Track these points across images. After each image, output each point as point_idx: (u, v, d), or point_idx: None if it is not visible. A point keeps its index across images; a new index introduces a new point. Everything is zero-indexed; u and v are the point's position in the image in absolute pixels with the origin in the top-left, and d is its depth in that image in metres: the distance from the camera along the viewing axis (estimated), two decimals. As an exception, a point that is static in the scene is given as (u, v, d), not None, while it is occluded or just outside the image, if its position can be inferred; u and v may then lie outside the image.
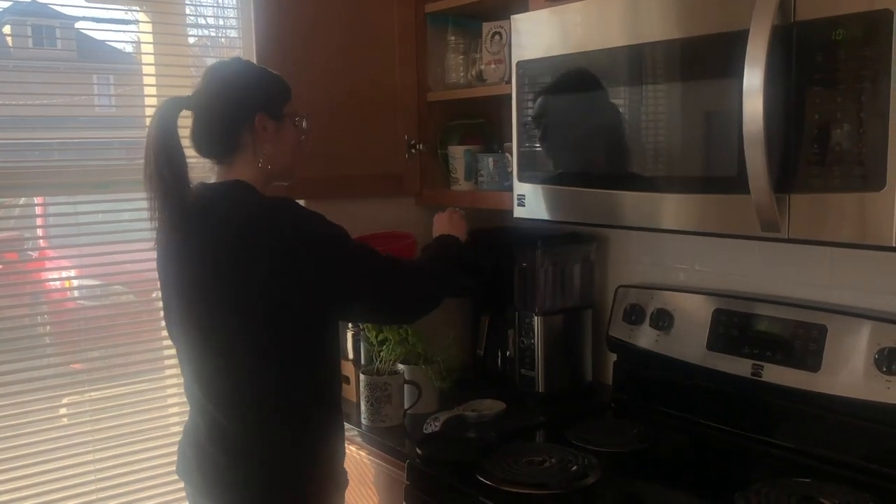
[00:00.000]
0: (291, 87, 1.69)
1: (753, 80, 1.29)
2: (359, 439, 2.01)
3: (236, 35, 2.24)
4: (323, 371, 1.66)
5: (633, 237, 2.18)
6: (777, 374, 1.74)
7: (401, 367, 2.07)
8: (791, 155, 1.32)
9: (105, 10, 2.15)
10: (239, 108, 1.61)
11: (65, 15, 2.13)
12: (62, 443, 2.05)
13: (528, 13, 1.83)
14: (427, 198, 2.35)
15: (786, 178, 1.33)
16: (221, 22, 2.32)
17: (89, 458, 2.08)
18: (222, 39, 2.34)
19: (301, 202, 1.63)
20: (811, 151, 1.30)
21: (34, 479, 2.01)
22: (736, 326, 1.84)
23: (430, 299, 1.72)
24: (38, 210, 2.16)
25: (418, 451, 1.80)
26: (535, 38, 1.80)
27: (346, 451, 1.76)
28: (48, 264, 2.17)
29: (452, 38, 2.30)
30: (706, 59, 1.47)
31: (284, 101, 1.67)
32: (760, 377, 1.77)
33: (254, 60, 2.03)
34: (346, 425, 2.00)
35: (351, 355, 2.21)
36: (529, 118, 1.84)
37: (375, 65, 2.24)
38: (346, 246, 1.60)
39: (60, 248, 2.18)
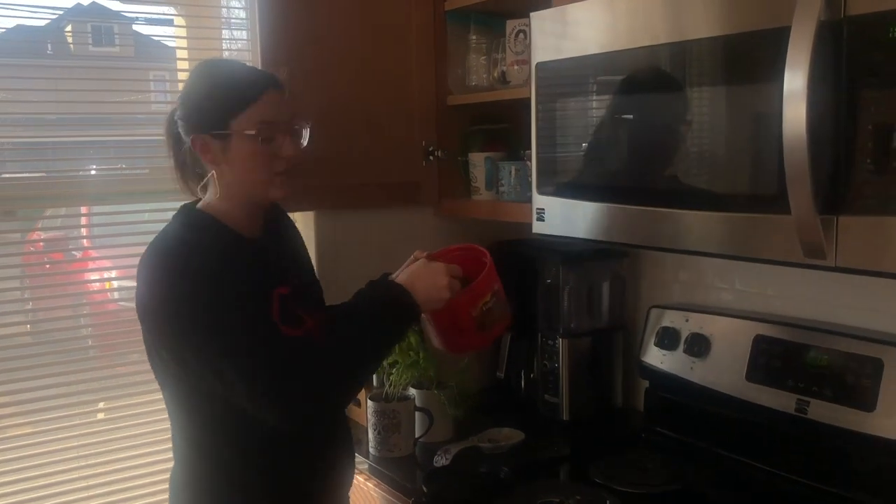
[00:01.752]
0: (250, 95, 1.39)
1: (795, 82, 1.12)
2: (366, 470, 1.87)
3: (246, 37, 2.12)
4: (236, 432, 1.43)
5: (669, 253, 2.00)
6: (825, 412, 1.55)
7: (413, 391, 1.92)
8: (840, 170, 1.14)
9: (159, 12, 2.15)
10: (184, 123, 1.43)
11: (123, 15, 2.13)
12: (101, 446, 2.01)
13: (549, 10, 1.67)
14: (446, 208, 2.20)
15: (833, 197, 1.15)
16: (233, 23, 2.20)
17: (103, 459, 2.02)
18: (240, 40, 2.22)
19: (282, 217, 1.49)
20: (864, 167, 1.12)
21: (60, 476, 1.96)
22: (779, 356, 1.66)
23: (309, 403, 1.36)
24: (83, 210, 2.11)
25: (424, 488, 1.66)
26: (556, 38, 1.64)
27: (354, 481, 1.62)
28: (91, 265, 2.15)
29: (474, 37, 2.15)
30: (745, 59, 1.30)
31: (232, 115, 1.38)
32: (806, 414, 1.58)
33: (259, 65, 1.90)
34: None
35: (363, 376, 2.07)
36: (549, 125, 1.68)
37: (391, 66, 2.09)
38: (186, 312, 1.34)
39: (102, 249, 2.14)
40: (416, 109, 2.14)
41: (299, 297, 1.50)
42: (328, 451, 1.55)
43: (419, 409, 1.89)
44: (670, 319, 1.89)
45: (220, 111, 1.39)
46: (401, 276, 1.48)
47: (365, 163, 2.07)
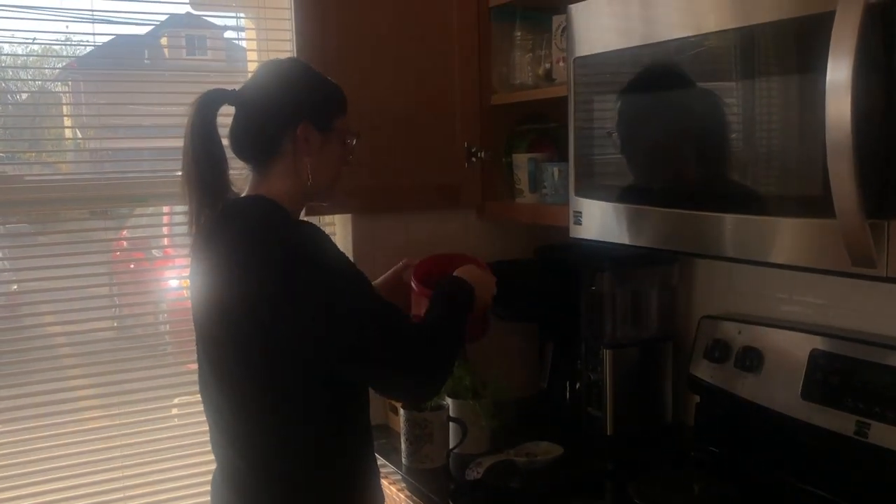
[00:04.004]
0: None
1: (839, 73, 1.01)
2: (399, 480, 1.82)
3: (289, 38, 2.09)
4: (347, 424, 1.45)
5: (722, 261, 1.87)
6: (888, 436, 1.41)
7: (448, 401, 1.85)
8: (892, 170, 1.02)
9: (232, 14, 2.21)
10: (283, 111, 1.44)
11: (215, 24, 2.21)
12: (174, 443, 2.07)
13: (588, 1, 1.57)
14: (490, 211, 2.13)
15: (884, 199, 1.03)
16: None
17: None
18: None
19: (322, 224, 1.46)
20: (918, 165, 1.00)
21: (141, 478, 2.03)
22: (837, 373, 1.52)
23: (439, 379, 1.44)
24: (165, 209, 2.18)
25: (451, 502, 1.59)
26: (595, 31, 1.55)
27: (386, 492, 1.58)
28: (170, 268, 2.22)
29: (519, 34, 2.07)
30: (788, 48, 1.19)
31: (337, 115, 1.49)
32: (866, 438, 1.44)
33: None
34: (387, 463, 1.83)
35: (401, 383, 2.02)
36: (588, 124, 1.60)
37: (432, 65, 2.03)
38: (368, 301, 1.37)
39: (180, 248, 2.18)
40: (459, 109, 2.07)
41: None
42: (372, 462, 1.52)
43: (453, 420, 1.82)
44: (722, 331, 1.77)
45: (330, 109, 1.48)
46: (463, 273, 1.55)
47: (405, 164, 2.02)
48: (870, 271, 1.07)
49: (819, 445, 1.54)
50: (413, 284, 1.63)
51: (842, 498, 1.51)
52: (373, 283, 1.68)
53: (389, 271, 1.74)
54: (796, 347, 1.60)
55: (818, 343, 1.57)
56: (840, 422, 1.49)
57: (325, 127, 1.46)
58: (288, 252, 1.34)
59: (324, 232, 1.42)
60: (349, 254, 2.03)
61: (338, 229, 2.11)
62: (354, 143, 1.53)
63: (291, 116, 1.43)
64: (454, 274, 1.55)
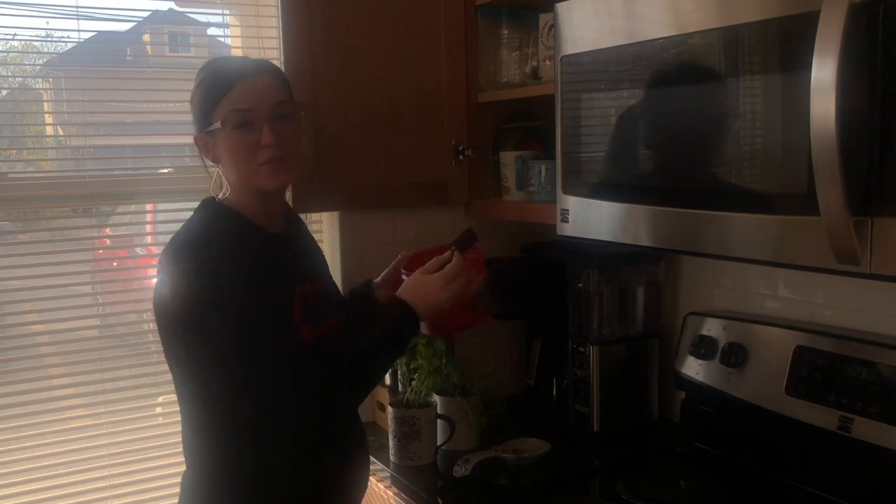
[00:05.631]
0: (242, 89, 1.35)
1: (824, 72, 1.02)
2: (387, 478, 1.82)
3: (276, 35, 2.09)
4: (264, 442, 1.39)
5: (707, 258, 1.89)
6: (870, 431, 1.43)
7: (435, 398, 1.86)
8: (875, 168, 1.04)
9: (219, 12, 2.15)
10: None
11: (198, 21, 2.18)
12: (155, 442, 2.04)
13: (576, 0, 1.58)
14: (477, 208, 2.13)
15: (868, 197, 1.05)
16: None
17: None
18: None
19: (309, 222, 1.44)
20: (901, 164, 1.01)
21: (125, 477, 2.00)
22: (821, 369, 1.54)
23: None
24: (148, 207, 2.17)
25: (439, 499, 1.59)
26: (583, 29, 1.56)
27: (374, 489, 1.58)
28: (153, 266, 2.18)
29: (506, 32, 2.07)
30: (773, 48, 1.21)
31: (212, 108, 1.36)
32: (849, 432, 1.46)
33: (282, 64, 1.86)
34: (374, 460, 1.83)
35: (388, 381, 2.02)
36: (575, 122, 1.60)
37: (419, 63, 2.03)
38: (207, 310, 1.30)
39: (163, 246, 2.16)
40: (446, 107, 2.07)
41: (322, 294, 1.48)
42: (340, 459, 1.50)
43: (441, 417, 1.83)
44: (708, 327, 1.79)
45: (203, 109, 1.37)
46: (404, 292, 1.44)
47: (393, 162, 2.02)
48: (854, 268, 1.08)
49: (803, 440, 1.56)
50: (403, 275, 1.63)
51: (825, 492, 1.53)
52: (375, 279, 1.69)
53: (390, 265, 1.70)
54: (781, 343, 1.62)
55: (802, 339, 1.59)
56: (824, 417, 1.51)
57: (209, 126, 1.37)
58: (186, 264, 1.33)
59: (241, 243, 1.37)
60: (336, 252, 2.04)
61: (325, 227, 2.11)
62: (233, 113, 1.34)
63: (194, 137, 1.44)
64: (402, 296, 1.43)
